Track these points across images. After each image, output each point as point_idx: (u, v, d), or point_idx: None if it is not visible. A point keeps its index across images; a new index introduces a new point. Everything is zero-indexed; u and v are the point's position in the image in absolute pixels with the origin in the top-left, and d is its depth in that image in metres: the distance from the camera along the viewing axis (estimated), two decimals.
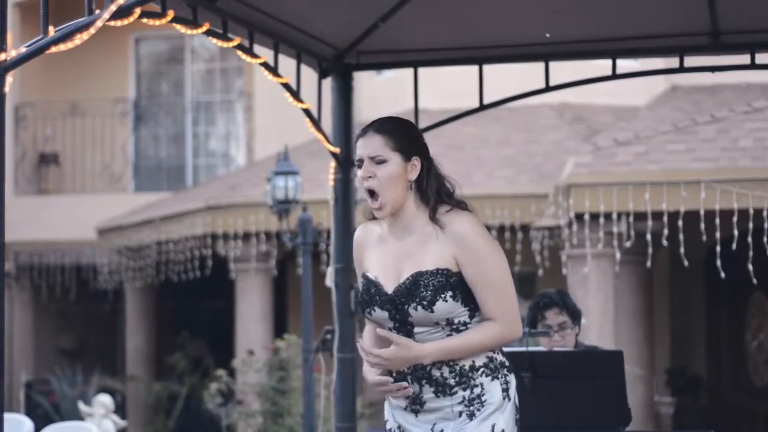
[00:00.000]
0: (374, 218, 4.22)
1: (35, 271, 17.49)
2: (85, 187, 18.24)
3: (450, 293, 4.04)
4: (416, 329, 4.09)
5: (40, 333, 18.03)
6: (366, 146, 4.11)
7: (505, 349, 4.29)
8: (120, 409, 14.29)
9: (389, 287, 4.11)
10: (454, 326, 4.07)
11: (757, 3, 6.10)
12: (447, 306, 4.04)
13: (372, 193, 4.10)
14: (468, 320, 4.09)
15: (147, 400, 16.22)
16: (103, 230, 16.60)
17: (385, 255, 4.17)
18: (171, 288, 15.86)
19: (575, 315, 6.08)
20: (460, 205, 4.15)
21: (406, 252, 4.12)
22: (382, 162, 4.08)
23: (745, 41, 6.46)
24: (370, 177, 4.08)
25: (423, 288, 4.04)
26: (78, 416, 12.73)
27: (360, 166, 4.13)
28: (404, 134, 4.14)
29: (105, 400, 12.06)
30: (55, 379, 16.55)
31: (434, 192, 4.12)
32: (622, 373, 5.60)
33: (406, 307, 4.06)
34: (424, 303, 4.03)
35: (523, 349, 5.50)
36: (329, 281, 6.90)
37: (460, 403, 4.09)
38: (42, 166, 18.44)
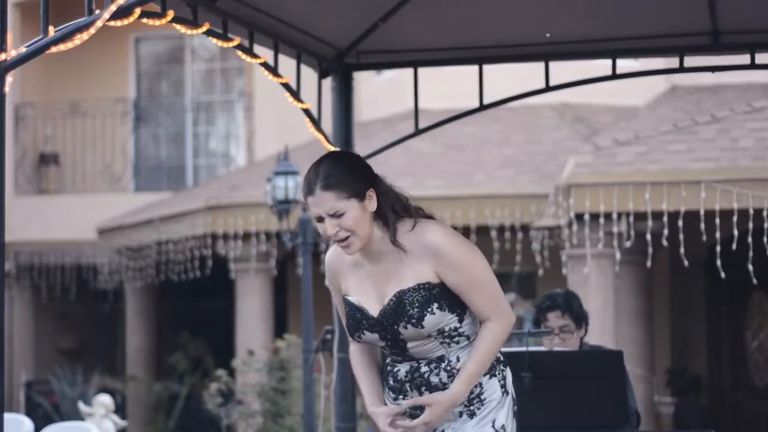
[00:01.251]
0: None
1: (35, 271, 17.48)
2: (85, 187, 18.24)
3: (436, 305, 4.02)
4: (409, 344, 4.09)
5: (40, 333, 18.03)
6: (319, 205, 3.98)
7: (504, 350, 4.30)
8: (120, 409, 14.28)
9: (374, 310, 4.09)
10: (446, 333, 4.07)
11: (757, 3, 6.10)
12: (435, 318, 4.03)
13: (343, 240, 4.03)
14: (458, 325, 4.08)
15: (147, 400, 16.22)
16: (104, 230, 16.60)
17: (362, 279, 4.14)
18: (171, 288, 15.86)
19: (579, 319, 6.04)
20: (420, 213, 4.11)
21: (385, 273, 4.09)
22: (342, 214, 3.98)
23: (745, 41, 6.45)
24: (338, 231, 3.99)
25: (408, 306, 4.02)
26: (78, 416, 12.73)
27: (320, 221, 4.02)
28: (351, 177, 4.01)
29: (105, 400, 12.05)
30: (55, 379, 16.55)
31: (391, 211, 4.06)
32: (622, 374, 5.60)
33: (395, 327, 4.05)
34: (413, 321, 4.02)
35: (523, 349, 5.50)
36: (329, 281, 6.89)
37: (460, 403, 4.10)
38: (42, 166, 18.43)
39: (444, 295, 4.04)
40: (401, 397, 4.15)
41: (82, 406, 12.31)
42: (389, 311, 4.05)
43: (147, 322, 16.59)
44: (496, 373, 4.15)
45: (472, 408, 4.10)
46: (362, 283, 4.14)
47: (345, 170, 4.02)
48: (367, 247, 4.08)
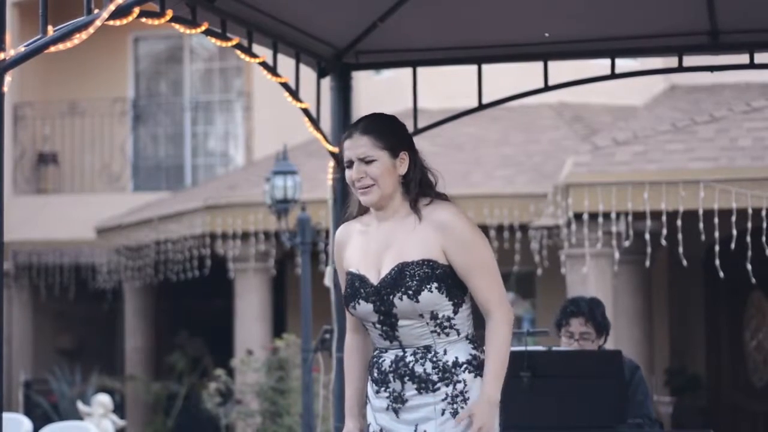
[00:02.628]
0: (355, 216, 4.26)
1: (34, 270, 17.47)
2: (83, 187, 18.23)
3: (435, 284, 4.07)
4: (400, 322, 4.11)
5: (38, 333, 18.02)
6: (354, 147, 4.15)
7: None
8: (119, 409, 14.28)
9: (374, 278, 4.14)
10: (439, 321, 4.10)
11: (756, 3, 6.11)
12: (432, 297, 4.07)
13: (365, 187, 4.15)
14: (452, 315, 4.11)
15: (146, 399, 16.22)
16: (102, 230, 16.59)
17: (366, 246, 4.20)
18: (170, 287, 15.86)
19: (601, 328, 6.05)
20: (441, 196, 4.21)
21: (387, 241, 4.16)
22: (371, 161, 4.13)
23: (744, 41, 6.46)
24: (362, 177, 4.13)
25: (408, 278, 4.07)
26: (77, 416, 12.73)
27: (349, 167, 4.17)
28: (390, 132, 4.19)
29: (104, 399, 12.05)
30: (53, 379, 16.54)
31: (417, 184, 4.18)
32: (621, 373, 5.60)
33: (390, 297, 4.09)
34: (409, 293, 4.06)
35: (522, 348, 5.50)
36: (328, 281, 6.90)
37: (443, 400, 4.10)
38: (41, 165, 18.42)
39: (446, 279, 4.09)
40: (383, 388, 4.16)
41: (80, 405, 12.32)
42: (389, 280, 4.10)
43: (145, 322, 16.59)
44: (482, 374, 4.12)
45: (455, 406, 4.09)
46: (365, 251, 4.20)
47: (387, 125, 4.22)
48: (383, 209, 4.18)
